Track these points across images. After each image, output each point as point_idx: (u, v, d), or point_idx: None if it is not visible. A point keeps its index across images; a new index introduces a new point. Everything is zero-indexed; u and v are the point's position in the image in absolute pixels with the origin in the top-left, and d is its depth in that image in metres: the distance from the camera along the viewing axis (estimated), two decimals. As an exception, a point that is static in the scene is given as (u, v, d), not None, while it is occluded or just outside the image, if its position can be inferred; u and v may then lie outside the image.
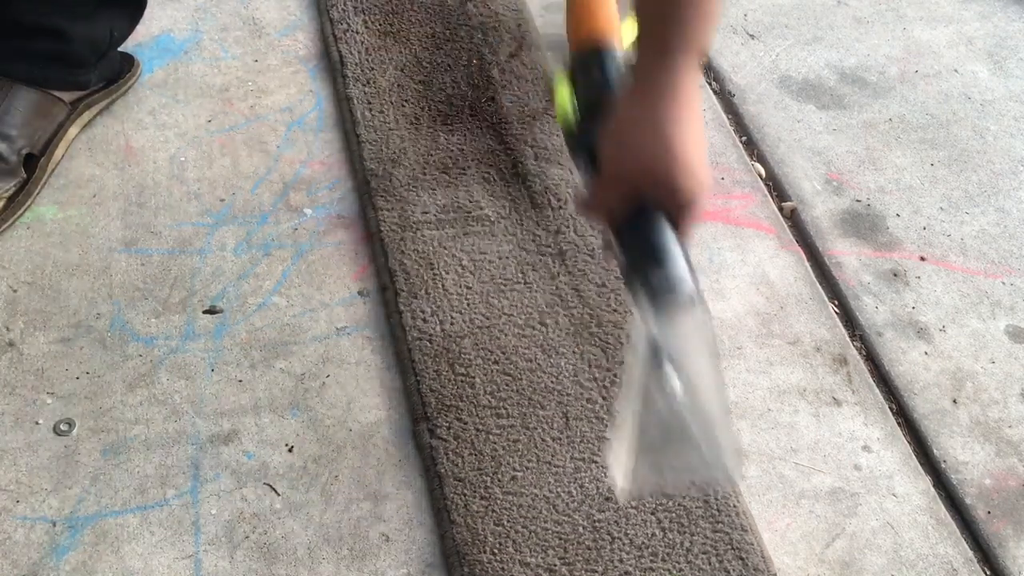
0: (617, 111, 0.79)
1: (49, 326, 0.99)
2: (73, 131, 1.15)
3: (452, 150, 1.16)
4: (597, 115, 0.89)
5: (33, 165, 1.09)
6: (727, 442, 0.77)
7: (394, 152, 1.15)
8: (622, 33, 1.02)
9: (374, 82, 1.23)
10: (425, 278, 1.03)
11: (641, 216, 0.77)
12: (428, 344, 0.98)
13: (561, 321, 1.01)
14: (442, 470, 0.89)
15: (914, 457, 0.96)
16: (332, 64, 1.26)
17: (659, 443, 0.76)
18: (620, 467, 0.77)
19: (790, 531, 0.89)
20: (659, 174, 0.75)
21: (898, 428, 0.98)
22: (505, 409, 0.93)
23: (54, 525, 0.85)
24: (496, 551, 0.84)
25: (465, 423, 0.92)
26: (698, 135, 0.76)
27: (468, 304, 1.01)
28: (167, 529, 0.86)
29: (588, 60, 0.97)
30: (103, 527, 0.86)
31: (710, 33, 0.75)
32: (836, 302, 1.09)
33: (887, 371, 1.02)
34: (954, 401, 1.00)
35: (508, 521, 0.86)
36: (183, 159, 1.15)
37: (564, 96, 0.97)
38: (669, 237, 0.77)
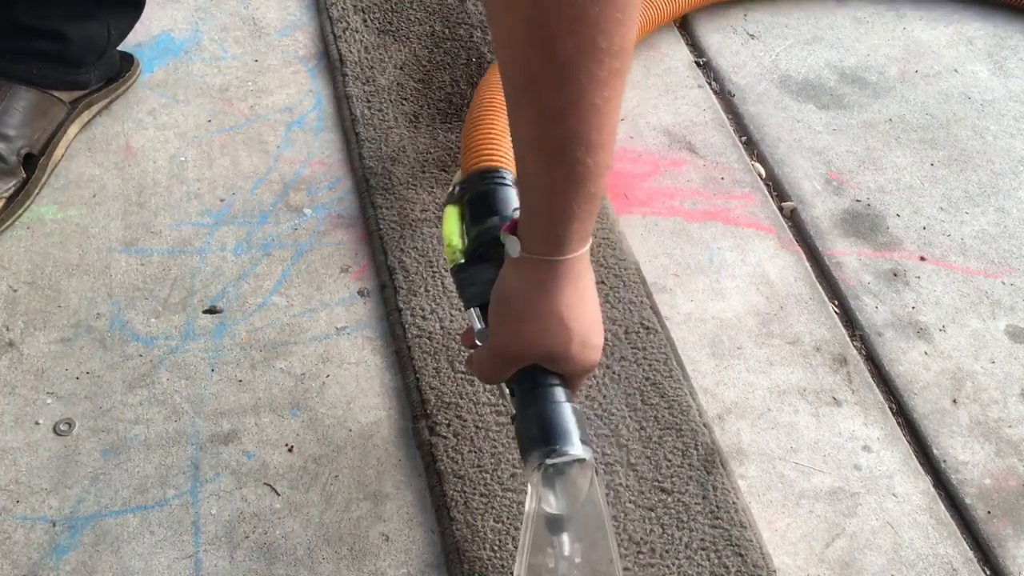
0: (506, 279, 0.73)
1: (49, 326, 0.99)
2: (73, 131, 1.15)
3: (451, 148, 1.16)
4: (488, 257, 0.84)
5: (33, 165, 1.09)
6: None
7: (393, 150, 1.15)
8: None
9: (374, 80, 1.23)
10: (424, 276, 1.03)
11: (533, 381, 0.75)
12: (428, 342, 0.98)
13: (561, 321, 1.01)
14: (442, 467, 0.89)
15: (914, 457, 0.96)
16: (332, 63, 1.26)
17: None
18: None
19: (790, 531, 0.89)
20: (554, 350, 0.73)
21: (898, 428, 0.98)
22: (505, 406, 0.93)
23: (54, 525, 0.85)
24: (496, 548, 0.84)
25: (465, 420, 0.92)
26: (591, 303, 0.73)
27: (468, 304, 1.01)
28: (167, 529, 0.86)
29: (480, 180, 0.89)
30: (103, 527, 0.86)
31: (594, 222, 0.68)
32: (836, 302, 1.09)
33: (887, 371, 1.02)
34: (954, 401, 1.00)
35: (508, 518, 0.86)
36: (183, 159, 1.15)
37: (453, 226, 0.87)
38: (563, 409, 0.74)
